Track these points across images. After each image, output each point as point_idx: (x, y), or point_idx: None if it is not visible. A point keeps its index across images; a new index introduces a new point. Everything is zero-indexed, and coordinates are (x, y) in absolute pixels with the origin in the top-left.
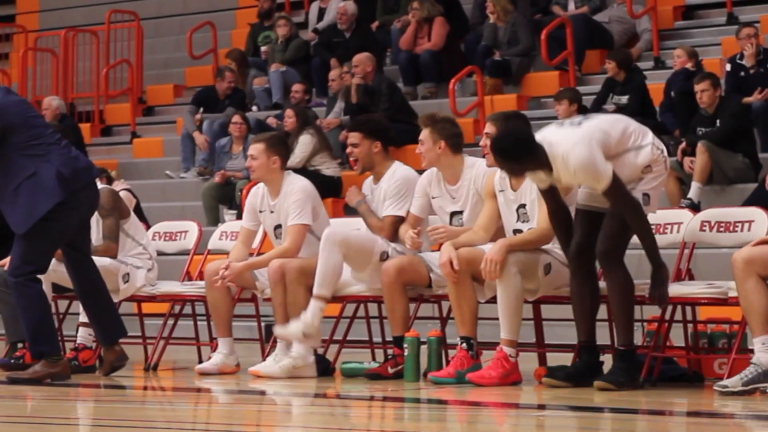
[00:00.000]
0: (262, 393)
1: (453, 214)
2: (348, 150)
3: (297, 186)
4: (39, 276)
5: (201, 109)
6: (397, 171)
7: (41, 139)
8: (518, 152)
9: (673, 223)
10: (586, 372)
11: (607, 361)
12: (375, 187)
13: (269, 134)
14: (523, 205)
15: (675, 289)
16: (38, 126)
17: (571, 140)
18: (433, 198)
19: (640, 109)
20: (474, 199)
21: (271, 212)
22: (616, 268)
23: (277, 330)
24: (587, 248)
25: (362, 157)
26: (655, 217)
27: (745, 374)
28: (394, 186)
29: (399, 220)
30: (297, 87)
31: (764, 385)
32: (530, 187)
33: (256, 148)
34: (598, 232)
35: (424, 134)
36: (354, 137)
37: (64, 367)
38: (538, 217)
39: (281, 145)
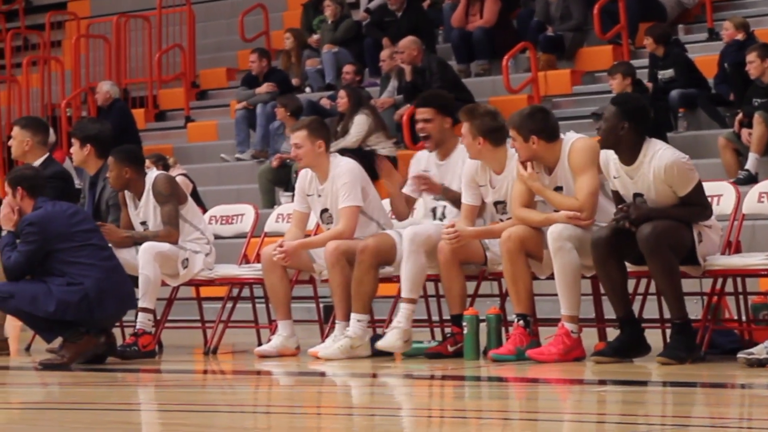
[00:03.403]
0: (323, 375)
1: (496, 203)
2: (419, 126)
3: (344, 168)
4: None
5: (254, 91)
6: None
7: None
8: (639, 115)
9: (713, 196)
10: (632, 344)
11: (651, 335)
12: (442, 164)
13: (308, 119)
14: (559, 188)
15: (733, 261)
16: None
17: (665, 145)
18: (480, 186)
19: (688, 83)
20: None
21: (319, 196)
22: (661, 251)
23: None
24: (614, 236)
25: (435, 133)
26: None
27: None
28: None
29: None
30: (348, 68)
31: None
32: (566, 169)
33: (299, 136)
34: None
35: (465, 128)
36: (425, 113)
37: (87, 341)
38: (578, 189)
39: (323, 129)
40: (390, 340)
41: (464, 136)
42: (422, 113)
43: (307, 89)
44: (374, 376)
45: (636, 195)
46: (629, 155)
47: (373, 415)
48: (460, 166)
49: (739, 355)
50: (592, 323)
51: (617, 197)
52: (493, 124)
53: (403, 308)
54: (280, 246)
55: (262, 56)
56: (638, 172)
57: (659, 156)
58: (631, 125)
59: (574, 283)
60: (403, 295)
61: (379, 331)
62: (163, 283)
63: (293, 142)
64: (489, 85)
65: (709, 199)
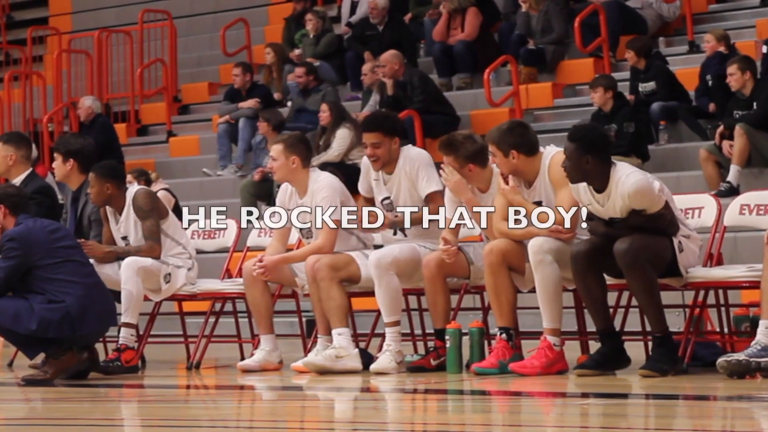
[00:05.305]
0: (306, 389)
1: None
2: (369, 152)
3: (323, 183)
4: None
5: (236, 106)
6: (409, 154)
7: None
8: (599, 145)
9: (695, 208)
10: (613, 357)
11: (633, 347)
12: (389, 177)
13: (288, 134)
14: (539, 202)
15: (714, 273)
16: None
17: (630, 169)
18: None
19: (669, 95)
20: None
21: None
22: (638, 266)
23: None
24: (593, 249)
25: (384, 156)
26: (683, 202)
27: (747, 352)
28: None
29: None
30: (299, 71)
31: (765, 359)
32: (546, 183)
33: (275, 150)
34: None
35: (450, 161)
36: (373, 137)
37: (70, 357)
38: (560, 202)
39: (301, 145)
40: (383, 362)
41: (451, 171)
42: (370, 138)
43: (289, 103)
44: (357, 390)
45: (612, 219)
46: (600, 184)
47: (356, 429)
48: (403, 178)
49: (720, 360)
50: (575, 336)
51: (594, 216)
52: (474, 147)
53: (389, 332)
54: (260, 261)
55: (246, 70)
56: (608, 200)
57: (623, 183)
58: (593, 158)
59: (556, 295)
60: (385, 320)
61: (361, 344)
62: (146, 298)
63: (270, 155)
64: (470, 99)
65: (691, 211)
